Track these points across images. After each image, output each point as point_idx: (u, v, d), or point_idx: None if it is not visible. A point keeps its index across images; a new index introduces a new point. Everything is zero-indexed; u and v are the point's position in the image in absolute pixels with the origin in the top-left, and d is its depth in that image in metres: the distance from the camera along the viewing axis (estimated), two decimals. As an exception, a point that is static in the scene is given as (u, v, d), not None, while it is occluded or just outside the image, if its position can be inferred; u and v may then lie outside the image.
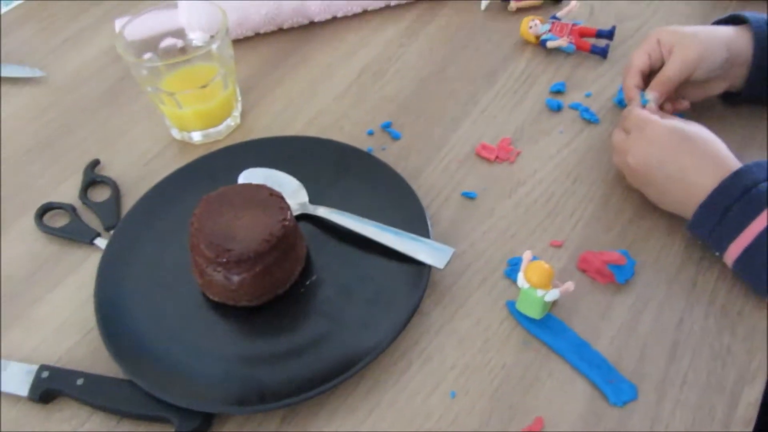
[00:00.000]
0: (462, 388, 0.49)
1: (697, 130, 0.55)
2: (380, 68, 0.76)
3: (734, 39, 0.60)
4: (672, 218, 0.58)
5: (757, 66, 0.60)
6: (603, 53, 0.73)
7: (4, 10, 0.88)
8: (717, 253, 0.53)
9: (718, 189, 0.51)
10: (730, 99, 0.65)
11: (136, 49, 0.67)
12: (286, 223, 0.52)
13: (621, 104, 0.68)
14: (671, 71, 0.59)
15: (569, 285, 0.50)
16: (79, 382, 0.50)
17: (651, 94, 0.60)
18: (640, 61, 0.62)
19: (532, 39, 0.75)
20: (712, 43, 0.59)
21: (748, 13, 0.61)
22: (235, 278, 0.51)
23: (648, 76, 0.63)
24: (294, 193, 0.60)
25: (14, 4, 0.90)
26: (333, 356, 0.50)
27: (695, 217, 0.52)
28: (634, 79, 0.62)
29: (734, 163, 0.52)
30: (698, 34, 0.60)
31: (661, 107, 0.61)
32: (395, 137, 0.68)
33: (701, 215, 0.52)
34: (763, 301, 0.52)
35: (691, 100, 0.63)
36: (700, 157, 0.53)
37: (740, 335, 0.50)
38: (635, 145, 0.56)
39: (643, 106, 0.60)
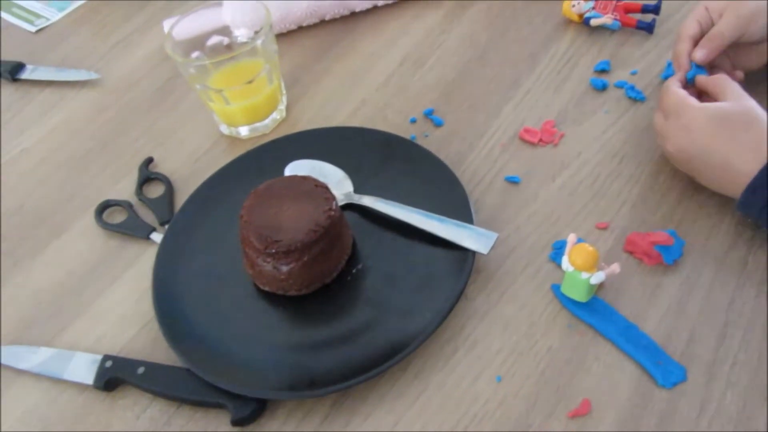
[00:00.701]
0: (508, 372, 0.50)
1: (740, 110, 0.52)
2: (421, 55, 0.76)
3: None
4: (721, 197, 0.56)
5: None
6: (649, 29, 0.71)
7: (59, 16, 0.92)
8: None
9: (765, 170, 0.49)
10: None
11: (184, 48, 0.70)
12: (332, 213, 0.54)
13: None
14: (723, 26, 0.56)
15: (615, 267, 0.50)
16: (140, 370, 0.53)
17: (700, 52, 0.57)
18: (690, 28, 0.59)
19: (576, 18, 0.74)
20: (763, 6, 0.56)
21: None
22: (284, 268, 0.53)
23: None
24: (339, 184, 0.62)
25: (71, 7, 0.93)
26: (380, 343, 0.51)
27: (743, 198, 0.51)
28: (685, 45, 0.59)
29: None
30: None
31: (713, 70, 0.58)
32: (438, 124, 0.68)
33: (749, 196, 0.50)
34: (819, 279, 0.51)
35: (746, 68, 0.60)
36: (741, 142, 0.51)
37: (794, 314, 0.49)
38: (674, 132, 0.54)
39: (689, 81, 0.58)
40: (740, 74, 0.60)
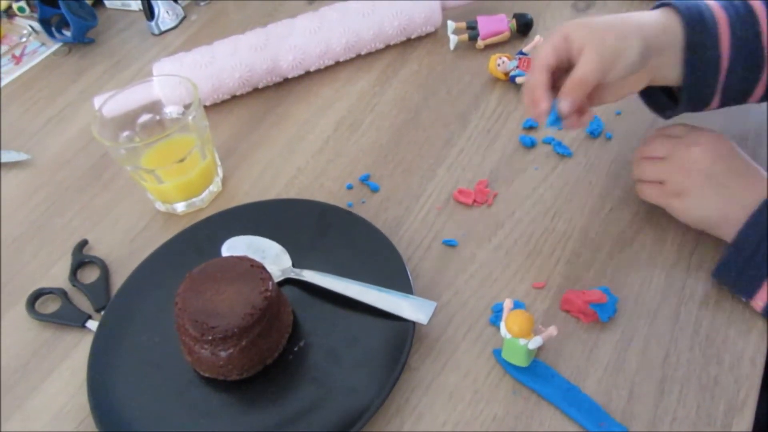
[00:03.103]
0: (455, 443, 0.50)
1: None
2: (356, 120, 0.77)
3: (655, 23, 0.54)
4: (651, 249, 0.58)
5: (690, 47, 0.53)
6: (572, 84, 0.73)
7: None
8: (744, 299, 0.53)
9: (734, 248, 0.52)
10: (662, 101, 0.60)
11: (114, 126, 0.69)
12: (268, 293, 0.53)
13: (593, 134, 0.69)
14: (587, 71, 0.51)
15: (552, 330, 0.51)
16: (78, 472, 0.51)
17: (564, 102, 0.52)
18: (547, 58, 0.53)
19: (501, 76, 0.76)
20: (629, 32, 0.52)
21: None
22: (223, 354, 0.52)
23: (557, 81, 0.54)
24: (277, 258, 0.61)
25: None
26: (326, 423, 0.51)
27: (717, 270, 0.53)
28: (541, 77, 0.53)
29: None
30: (611, 24, 0.53)
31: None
32: (374, 189, 0.68)
33: (722, 270, 0.53)
34: (746, 327, 0.52)
35: (599, 103, 0.57)
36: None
37: (726, 364, 0.51)
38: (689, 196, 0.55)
39: (549, 126, 0.54)
40: (589, 116, 0.56)
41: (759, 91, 0.56)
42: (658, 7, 0.56)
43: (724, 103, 0.57)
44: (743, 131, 0.65)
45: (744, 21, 0.54)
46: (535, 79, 0.54)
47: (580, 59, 0.52)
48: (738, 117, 0.65)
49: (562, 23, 0.80)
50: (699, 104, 0.57)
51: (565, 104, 0.53)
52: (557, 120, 0.54)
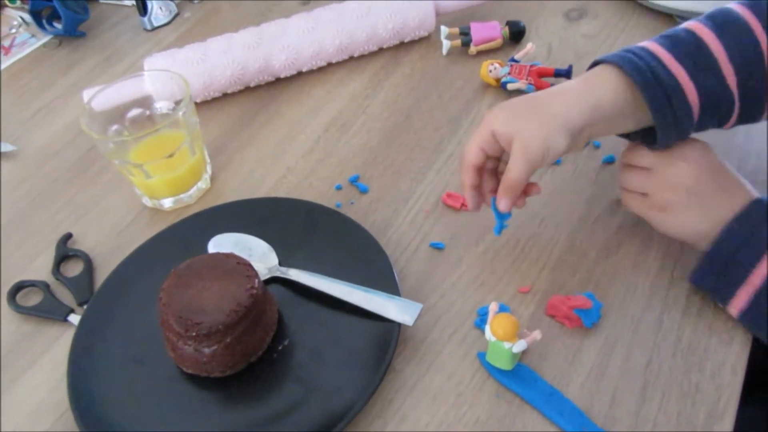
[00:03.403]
0: (437, 445, 0.50)
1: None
2: (347, 121, 0.77)
3: (597, 96, 0.53)
4: (636, 257, 0.58)
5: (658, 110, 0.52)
6: (562, 92, 0.74)
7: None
8: (721, 305, 0.54)
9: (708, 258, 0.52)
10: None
11: (103, 120, 0.68)
12: (254, 291, 0.53)
13: (582, 143, 0.69)
14: (518, 172, 0.53)
15: (536, 334, 0.51)
16: (56, 466, 0.50)
17: (503, 203, 0.55)
18: (474, 157, 0.55)
19: (493, 82, 0.77)
20: (555, 125, 0.52)
21: (612, 55, 0.54)
22: (206, 350, 0.52)
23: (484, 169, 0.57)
24: (263, 257, 0.61)
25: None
26: (309, 422, 0.50)
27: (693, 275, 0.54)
28: (471, 179, 0.56)
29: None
30: (537, 114, 0.53)
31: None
32: (363, 191, 0.68)
33: (703, 267, 0.53)
34: (728, 336, 0.53)
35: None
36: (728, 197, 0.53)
37: (708, 372, 0.51)
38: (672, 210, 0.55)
39: (498, 233, 0.58)
40: (537, 189, 0.57)
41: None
42: (596, 64, 0.55)
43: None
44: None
45: (702, 62, 0.53)
46: (465, 180, 0.56)
47: (509, 162, 0.53)
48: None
49: (551, 33, 0.82)
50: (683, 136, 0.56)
51: (503, 204, 0.55)
52: (501, 217, 0.57)
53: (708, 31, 0.54)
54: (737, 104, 0.54)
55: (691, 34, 0.54)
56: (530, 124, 0.53)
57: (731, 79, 0.53)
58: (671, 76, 0.52)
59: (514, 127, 0.53)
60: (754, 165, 0.64)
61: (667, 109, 0.52)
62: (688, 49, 0.53)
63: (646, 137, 0.56)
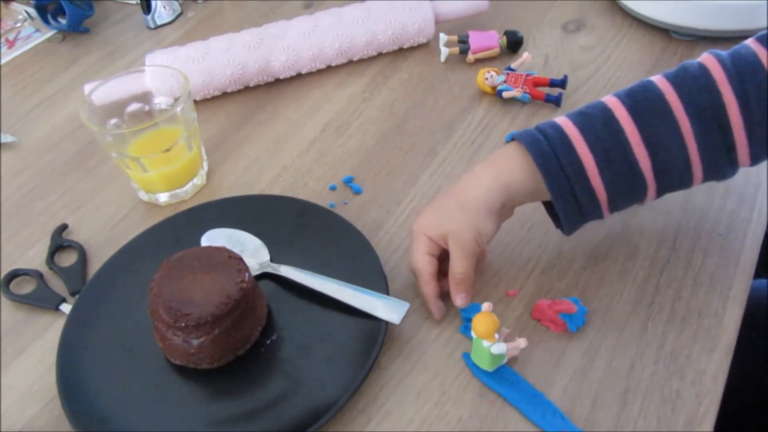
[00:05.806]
0: (419, 442, 0.50)
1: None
2: (343, 123, 0.78)
3: (501, 171, 0.55)
4: (623, 264, 0.59)
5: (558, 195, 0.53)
6: (557, 101, 0.75)
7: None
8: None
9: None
10: None
11: (102, 114, 0.69)
12: (244, 284, 0.54)
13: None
14: (462, 268, 0.55)
15: (521, 342, 0.52)
16: (41, 451, 0.50)
17: (459, 299, 0.55)
18: (427, 265, 0.56)
19: (489, 90, 0.77)
20: (479, 213, 0.55)
21: (523, 133, 0.55)
22: (195, 342, 0.52)
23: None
24: (255, 252, 0.62)
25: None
26: (293, 416, 0.51)
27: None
28: (434, 289, 0.56)
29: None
30: (459, 207, 0.55)
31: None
32: (357, 191, 0.69)
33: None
34: (710, 345, 0.53)
35: None
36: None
37: (689, 379, 0.52)
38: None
39: (465, 332, 0.56)
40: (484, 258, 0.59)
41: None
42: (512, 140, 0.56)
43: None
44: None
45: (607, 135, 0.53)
46: (428, 291, 0.56)
47: (451, 260, 0.55)
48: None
49: (548, 44, 0.83)
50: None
51: (459, 300, 0.56)
52: (467, 313, 0.56)
53: (625, 113, 0.52)
54: (653, 186, 0.54)
55: (608, 114, 0.53)
56: (456, 219, 0.55)
57: (644, 163, 0.52)
58: (577, 162, 0.52)
59: (442, 227, 0.55)
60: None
61: (569, 197, 0.53)
62: (601, 134, 0.52)
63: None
